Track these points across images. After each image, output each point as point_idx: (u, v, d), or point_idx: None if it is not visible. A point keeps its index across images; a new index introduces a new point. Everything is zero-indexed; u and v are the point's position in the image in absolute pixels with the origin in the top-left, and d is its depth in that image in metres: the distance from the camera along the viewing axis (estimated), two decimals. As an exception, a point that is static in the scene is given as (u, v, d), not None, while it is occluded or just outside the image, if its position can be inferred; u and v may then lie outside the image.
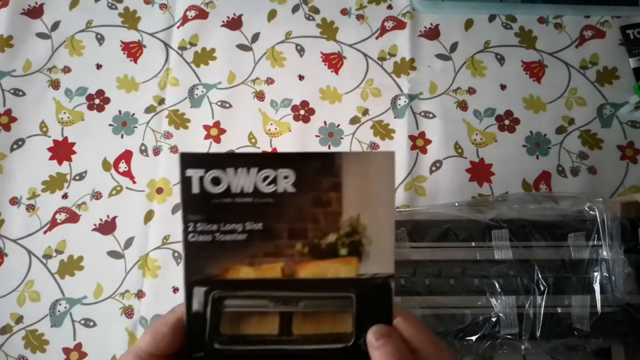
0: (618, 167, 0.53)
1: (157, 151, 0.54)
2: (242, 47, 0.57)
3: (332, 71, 0.57)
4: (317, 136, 0.55)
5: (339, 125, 0.55)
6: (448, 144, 0.54)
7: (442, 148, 0.54)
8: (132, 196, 0.53)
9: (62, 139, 0.55)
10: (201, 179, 0.26)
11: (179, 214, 0.52)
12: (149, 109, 0.55)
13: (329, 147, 0.54)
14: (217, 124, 0.55)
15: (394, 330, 0.26)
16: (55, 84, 0.56)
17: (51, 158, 0.54)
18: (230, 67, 0.57)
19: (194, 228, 0.26)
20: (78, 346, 0.49)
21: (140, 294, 0.50)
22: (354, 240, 0.27)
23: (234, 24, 0.58)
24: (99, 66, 0.57)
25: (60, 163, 0.54)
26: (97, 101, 0.56)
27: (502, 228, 0.42)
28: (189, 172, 0.27)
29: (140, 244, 0.51)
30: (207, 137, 0.54)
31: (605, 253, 0.41)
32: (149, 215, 0.52)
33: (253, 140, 0.54)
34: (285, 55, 0.57)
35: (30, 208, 0.52)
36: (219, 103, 0.56)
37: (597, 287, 0.41)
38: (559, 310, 0.40)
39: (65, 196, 0.53)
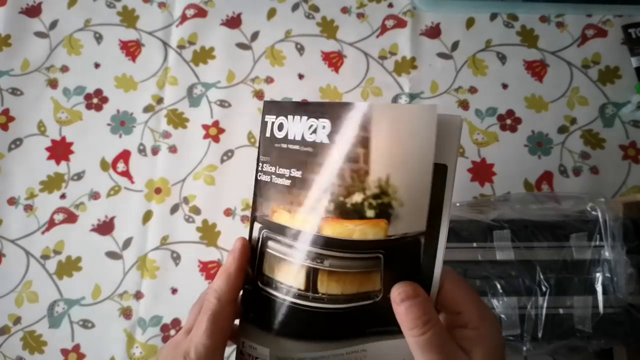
0: (620, 167, 0.53)
1: (155, 151, 0.54)
2: (241, 45, 0.57)
3: (332, 70, 0.56)
4: (317, 136, 0.54)
5: (339, 124, 0.54)
6: (449, 144, 0.53)
7: (443, 148, 0.53)
8: (131, 196, 0.52)
9: (60, 138, 0.54)
10: (272, 124, 0.28)
11: (178, 214, 0.52)
12: (147, 108, 0.55)
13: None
14: (216, 123, 0.54)
15: (420, 290, 0.24)
16: (53, 83, 0.56)
17: (49, 158, 0.54)
18: (229, 66, 0.56)
19: (261, 168, 0.28)
20: (76, 347, 0.49)
21: (138, 295, 0.50)
22: (383, 203, 0.25)
23: (233, 22, 0.58)
24: (97, 65, 0.56)
25: (58, 163, 0.53)
26: (95, 100, 0.55)
27: (503, 228, 0.42)
28: (267, 117, 0.28)
29: (139, 244, 0.51)
30: (206, 136, 0.54)
31: (607, 254, 0.41)
32: (147, 216, 0.52)
33: (252, 140, 0.54)
34: (285, 54, 0.57)
35: (28, 208, 0.52)
36: (218, 102, 0.55)
37: (599, 288, 0.40)
38: (561, 311, 0.40)
39: (63, 196, 0.52)
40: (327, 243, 0.26)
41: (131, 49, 0.57)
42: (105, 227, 0.52)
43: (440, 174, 0.24)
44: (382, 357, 0.27)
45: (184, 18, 0.58)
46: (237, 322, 0.29)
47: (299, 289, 0.27)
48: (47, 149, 0.54)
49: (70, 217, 0.52)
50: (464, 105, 0.55)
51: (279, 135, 0.27)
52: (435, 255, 0.25)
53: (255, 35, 0.57)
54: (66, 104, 0.55)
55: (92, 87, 0.56)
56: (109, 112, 0.55)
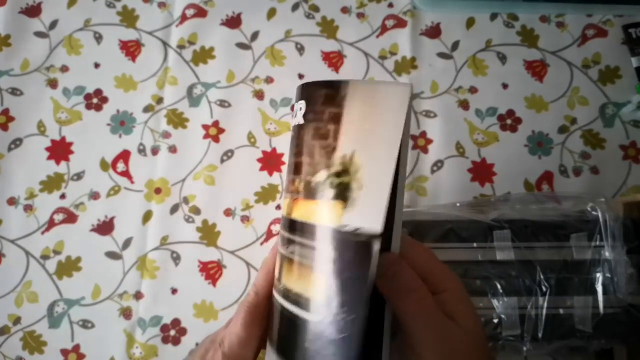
0: (620, 167, 0.53)
1: (155, 151, 0.54)
2: (241, 45, 0.57)
3: (332, 70, 0.56)
4: (317, 136, 0.54)
5: (339, 124, 0.54)
6: (449, 144, 0.53)
7: (444, 148, 0.53)
8: (130, 196, 0.52)
9: (59, 138, 0.54)
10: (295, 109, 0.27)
11: (178, 214, 0.52)
12: (147, 108, 0.55)
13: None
14: (216, 123, 0.54)
15: (401, 259, 0.23)
16: (53, 83, 0.56)
17: (49, 158, 0.54)
18: (229, 65, 0.56)
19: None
20: (76, 347, 0.49)
21: (138, 295, 0.50)
22: (342, 182, 0.23)
23: (233, 22, 0.58)
24: (97, 65, 0.56)
25: (58, 163, 0.53)
26: (95, 100, 0.55)
27: (503, 228, 0.42)
28: (296, 104, 0.27)
29: (139, 244, 0.51)
30: (205, 136, 0.54)
31: (607, 254, 0.41)
32: (147, 216, 0.52)
33: (252, 140, 0.54)
34: (285, 54, 0.57)
35: (28, 208, 0.52)
36: (218, 102, 0.55)
37: (599, 288, 0.40)
38: (561, 311, 0.40)
39: (63, 196, 0.52)
40: (292, 227, 0.24)
41: (131, 49, 0.57)
42: (105, 227, 0.52)
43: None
44: None
45: (183, 18, 0.58)
46: None
47: (277, 279, 0.26)
48: (47, 149, 0.54)
49: (70, 217, 0.52)
50: (464, 105, 0.55)
51: (294, 121, 0.27)
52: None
53: (255, 35, 0.57)
54: (66, 104, 0.55)
55: (92, 87, 0.56)
56: (109, 112, 0.55)
